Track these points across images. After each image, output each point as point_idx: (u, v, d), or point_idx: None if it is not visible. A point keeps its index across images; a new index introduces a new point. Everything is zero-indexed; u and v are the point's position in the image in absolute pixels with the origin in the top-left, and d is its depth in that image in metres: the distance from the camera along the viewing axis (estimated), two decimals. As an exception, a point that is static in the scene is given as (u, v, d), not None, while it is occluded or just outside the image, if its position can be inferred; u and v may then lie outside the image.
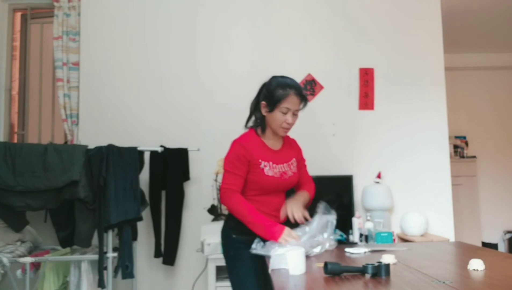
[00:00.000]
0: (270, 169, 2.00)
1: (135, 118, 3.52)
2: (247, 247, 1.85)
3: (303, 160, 2.25)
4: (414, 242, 2.95)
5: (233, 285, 2.03)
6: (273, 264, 1.63)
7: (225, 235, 2.09)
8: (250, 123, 2.12)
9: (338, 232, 3.21)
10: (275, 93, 1.97)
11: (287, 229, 1.85)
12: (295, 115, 2.01)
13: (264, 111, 2.03)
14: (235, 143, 2.03)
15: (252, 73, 3.49)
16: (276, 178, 2.01)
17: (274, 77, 2.05)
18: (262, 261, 1.85)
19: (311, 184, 2.23)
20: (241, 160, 1.97)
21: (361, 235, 3.15)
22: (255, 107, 2.09)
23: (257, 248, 1.77)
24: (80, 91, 3.52)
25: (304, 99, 2.02)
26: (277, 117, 1.98)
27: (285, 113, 1.97)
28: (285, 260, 1.59)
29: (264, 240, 1.82)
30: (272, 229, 1.85)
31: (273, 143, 2.08)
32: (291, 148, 2.16)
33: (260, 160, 1.99)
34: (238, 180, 1.97)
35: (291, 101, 1.96)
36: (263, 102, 2.02)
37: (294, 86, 1.99)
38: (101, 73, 3.55)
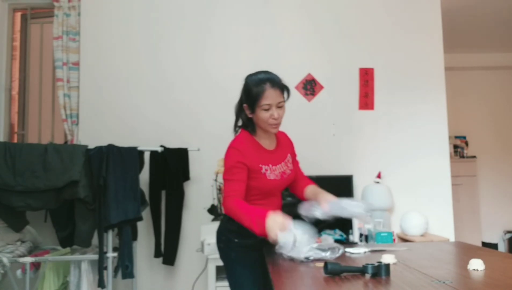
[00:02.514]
0: (271, 173, 1.93)
1: (135, 118, 3.52)
2: (248, 251, 1.83)
3: (295, 154, 2.17)
4: (414, 242, 2.95)
5: (232, 288, 2.00)
6: (280, 240, 1.60)
7: (225, 238, 2.02)
8: (239, 124, 2.03)
9: (338, 232, 3.21)
10: (251, 93, 1.88)
11: (271, 217, 1.68)
12: (280, 108, 1.89)
13: (248, 113, 1.93)
14: (230, 149, 1.93)
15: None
16: (277, 181, 1.96)
17: (248, 76, 1.95)
18: (263, 266, 1.84)
19: (309, 180, 2.17)
20: (239, 165, 1.88)
21: (361, 235, 3.15)
22: (239, 110, 1.99)
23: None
24: (80, 91, 3.52)
25: (283, 88, 1.91)
26: (261, 116, 1.88)
27: (267, 110, 1.87)
28: (292, 237, 1.60)
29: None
30: (257, 225, 1.70)
31: (268, 143, 2.00)
32: (285, 145, 2.09)
33: (260, 165, 1.91)
34: (238, 185, 1.87)
35: (270, 95, 1.85)
36: (245, 105, 1.93)
37: (269, 79, 1.88)
38: (101, 73, 3.56)
